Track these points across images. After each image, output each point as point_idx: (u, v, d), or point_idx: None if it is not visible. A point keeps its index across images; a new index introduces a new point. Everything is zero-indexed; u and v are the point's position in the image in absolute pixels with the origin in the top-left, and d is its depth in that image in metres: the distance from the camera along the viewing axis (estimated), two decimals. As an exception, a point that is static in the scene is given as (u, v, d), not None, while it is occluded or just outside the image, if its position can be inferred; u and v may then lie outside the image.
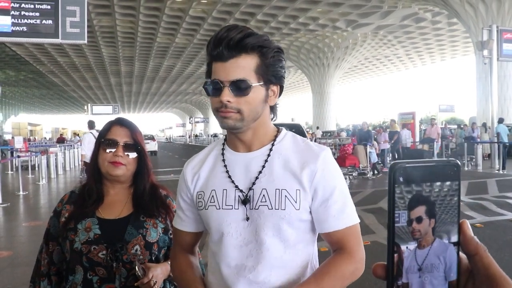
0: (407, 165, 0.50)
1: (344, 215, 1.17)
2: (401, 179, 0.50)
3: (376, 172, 14.38)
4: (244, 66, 1.14)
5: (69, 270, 1.55)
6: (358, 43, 34.66)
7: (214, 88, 1.16)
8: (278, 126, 1.30)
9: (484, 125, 19.58)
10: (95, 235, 1.52)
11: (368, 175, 13.83)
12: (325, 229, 1.18)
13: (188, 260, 1.35)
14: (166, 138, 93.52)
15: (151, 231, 1.58)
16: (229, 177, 1.22)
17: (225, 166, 1.24)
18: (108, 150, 1.59)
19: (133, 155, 1.61)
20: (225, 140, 1.30)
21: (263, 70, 1.16)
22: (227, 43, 1.14)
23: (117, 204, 1.62)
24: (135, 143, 1.61)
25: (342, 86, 62.70)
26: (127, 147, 1.60)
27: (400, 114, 21.77)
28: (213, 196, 1.22)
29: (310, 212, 1.19)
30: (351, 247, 1.17)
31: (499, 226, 6.93)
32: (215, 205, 1.21)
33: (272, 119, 1.28)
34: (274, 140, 1.24)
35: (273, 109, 1.27)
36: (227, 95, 1.13)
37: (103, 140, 1.61)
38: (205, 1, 26.16)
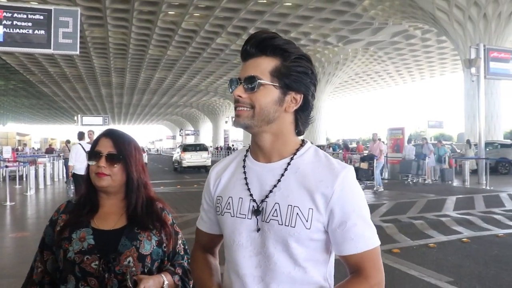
0: None
1: (363, 238, 1.14)
2: None
3: None
4: (260, 66, 1.17)
5: (61, 279, 1.56)
6: (349, 58, 35.05)
7: (232, 85, 1.21)
8: (304, 140, 1.27)
9: (468, 141, 19.83)
10: (89, 245, 1.53)
11: None
12: (343, 252, 1.16)
13: (207, 261, 1.37)
14: (148, 149, 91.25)
15: (145, 243, 1.58)
16: (247, 185, 1.22)
17: (245, 173, 1.24)
18: (93, 162, 1.61)
19: (117, 165, 1.61)
20: (249, 148, 1.31)
21: (280, 73, 1.16)
22: (252, 42, 1.19)
23: (112, 215, 1.63)
24: (119, 153, 1.62)
25: (332, 100, 63.13)
26: (110, 158, 1.60)
27: (389, 129, 21.95)
28: (229, 203, 1.23)
29: (325, 232, 1.17)
30: (368, 271, 1.14)
31: (486, 241, 7.01)
32: (230, 212, 1.22)
33: (298, 133, 1.25)
34: (295, 154, 1.22)
35: (298, 122, 1.23)
36: (238, 90, 1.17)
37: (90, 152, 1.65)
38: (198, 15, 26.34)
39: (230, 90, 1.21)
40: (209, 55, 35.61)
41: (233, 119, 1.23)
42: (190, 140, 71.33)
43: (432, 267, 5.57)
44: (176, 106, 73.00)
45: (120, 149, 1.62)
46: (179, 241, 1.73)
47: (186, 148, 26.63)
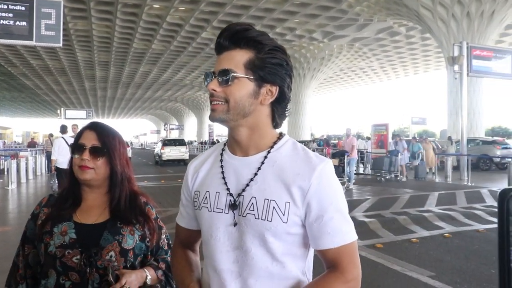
0: None
1: (340, 232, 1.12)
2: None
3: None
4: (234, 59, 1.15)
5: (42, 274, 1.54)
6: (334, 54, 35.17)
7: (207, 79, 1.19)
8: (281, 133, 1.25)
9: (449, 138, 20.12)
10: (70, 239, 1.51)
11: None
12: (319, 246, 1.14)
13: (187, 257, 1.35)
14: (131, 143, 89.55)
15: (127, 237, 1.57)
16: (224, 179, 1.21)
17: (222, 167, 1.23)
18: (76, 155, 1.59)
19: (101, 158, 1.59)
20: (226, 142, 1.30)
21: (254, 65, 1.15)
22: (225, 35, 1.17)
23: (94, 209, 1.61)
24: (103, 146, 1.60)
25: (317, 96, 63.35)
26: (94, 150, 1.58)
27: (373, 125, 22.14)
28: (206, 197, 1.22)
29: (303, 226, 1.15)
30: (344, 266, 1.12)
31: (466, 236, 7.13)
32: (207, 207, 1.21)
33: (275, 126, 1.24)
34: (272, 147, 1.20)
35: (275, 114, 1.22)
36: (212, 84, 1.16)
37: (73, 145, 1.62)
38: (183, 8, 26.15)
39: (205, 84, 1.20)
40: (194, 49, 35.42)
41: (210, 114, 1.20)
42: (175, 134, 71.12)
43: (414, 261, 5.64)
44: (160, 100, 72.53)
45: (104, 142, 1.60)
46: (163, 236, 1.72)
47: (165, 142, 28.91)
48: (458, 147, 18.96)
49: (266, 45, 1.16)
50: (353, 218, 8.09)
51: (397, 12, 24.67)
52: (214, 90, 1.16)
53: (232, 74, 1.14)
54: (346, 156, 14.09)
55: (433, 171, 17.72)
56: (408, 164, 18.15)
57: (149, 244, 1.64)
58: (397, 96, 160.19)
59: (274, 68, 1.16)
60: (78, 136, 1.64)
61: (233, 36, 1.16)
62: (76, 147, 1.60)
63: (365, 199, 11.01)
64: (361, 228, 7.58)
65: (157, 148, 30.11)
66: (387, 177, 16.50)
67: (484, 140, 22.37)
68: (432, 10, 21.62)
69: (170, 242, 1.73)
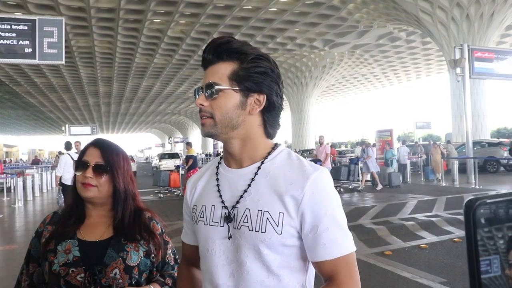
0: (488, 200, 0.40)
1: (336, 244, 1.08)
2: (483, 220, 0.39)
3: None
4: (218, 72, 1.15)
5: (47, 293, 1.52)
6: (335, 62, 35.23)
7: (196, 94, 1.19)
8: (276, 143, 1.24)
9: (448, 142, 20.10)
10: (74, 257, 1.50)
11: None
12: (315, 258, 1.10)
13: (191, 276, 1.34)
14: (132, 156, 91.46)
15: (132, 254, 1.55)
16: (219, 192, 1.19)
17: (217, 180, 1.22)
18: (80, 172, 1.58)
19: (104, 176, 1.58)
20: (222, 155, 1.28)
21: (239, 76, 1.14)
22: (208, 49, 1.18)
23: (98, 226, 1.60)
24: (106, 164, 1.59)
25: (320, 104, 63.35)
26: (97, 168, 1.57)
27: (377, 131, 22.09)
28: (203, 211, 1.21)
29: (299, 238, 1.11)
30: (341, 279, 1.08)
31: (477, 240, 7.04)
32: (204, 221, 1.20)
33: (268, 136, 1.21)
34: (266, 157, 1.18)
35: (266, 124, 1.19)
36: (200, 99, 1.16)
37: (77, 162, 1.62)
38: (183, 22, 26.32)
39: (195, 99, 1.20)
40: (196, 62, 35.57)
41: (201, 129, 1.21)
42: (180, 147, 71.31)
43: (425, 268, 5.58)
44: (164, 114, 72.76)
45: (108, 160, 1.59)
46: (169, 251, 1.69)
47: (162, 156, 36.05)
48: (463, 150, 18.86)
49: (249, 54, 1.15)
50: (361, 226, 8.07)
51: (397, 17, 24.72)
52: (202, 105, 1.16)
53: (217, 87, 1.14)
54: (319, 164, 13.66)
55: (438, 177, 17.54)
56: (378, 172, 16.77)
57: (154, 260, 1.62)
58: (401, 101, 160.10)
59: (259, 77, 1.15)
60: (82, 153, 1.63)
61: (216, 50, 1.16)
62: (80, 164, 1.59)
63: (372, 205, 10.94)
64: (370, 236, 7.53)
65: (155, 161, 37.43)
66: (350, 187, 15.52)
67: (490, 142, 22.26)
68: (431, 14, 21.66)
69: (177, 257, 1.71)
